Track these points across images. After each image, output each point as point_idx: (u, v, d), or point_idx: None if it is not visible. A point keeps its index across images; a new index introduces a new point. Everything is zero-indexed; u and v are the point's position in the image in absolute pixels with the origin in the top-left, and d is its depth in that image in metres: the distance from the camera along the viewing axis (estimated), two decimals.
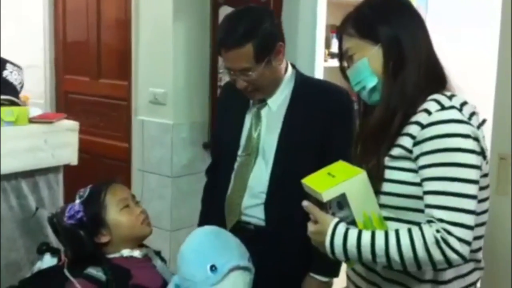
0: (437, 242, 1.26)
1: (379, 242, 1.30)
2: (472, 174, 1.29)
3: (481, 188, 1.35)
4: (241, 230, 1.89)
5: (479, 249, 1.45)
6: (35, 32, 3.94)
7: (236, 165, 1.94)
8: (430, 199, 1.31)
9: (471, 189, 1.29)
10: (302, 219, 1.43)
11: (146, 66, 3.23)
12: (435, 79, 1.42)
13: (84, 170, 3.01)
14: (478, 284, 1.49)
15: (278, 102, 1.89)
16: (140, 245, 1.89)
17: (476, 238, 1.36)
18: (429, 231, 1.27)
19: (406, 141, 1.36)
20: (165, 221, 3.15)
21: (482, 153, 1.35)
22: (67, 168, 2.79)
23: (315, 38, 2.80)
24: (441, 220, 1.27)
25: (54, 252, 1.92)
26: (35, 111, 2.71)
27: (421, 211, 1.34)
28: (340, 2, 2.87)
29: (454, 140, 1.29)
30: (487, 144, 1.44)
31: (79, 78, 3.81)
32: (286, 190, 1.70)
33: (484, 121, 1.41)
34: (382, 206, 1.38)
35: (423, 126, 1.33)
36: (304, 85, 1.90)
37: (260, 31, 1.75)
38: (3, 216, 2.52)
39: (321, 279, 1.85)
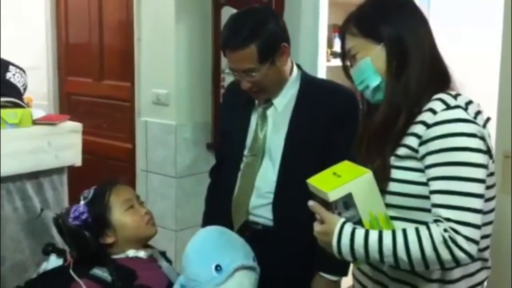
0: (445, 241, 1.26)
1: (386, 242, 1.30)
2: (479, 173, 1.29)
3: (488, 187, 1.35)
4: (249, 230, 1.89)
5: (486, 248, 1.45)
6: (37, 33, 3.94)
7: (242, 165, 1.94)
8: (437, 199, 1.31)
9: (478, 188, 1.29)
10: (310, 219, 1.43)
11: (149, 67, 3.23)
12: (438, 77, 1.42)
13: (88, 171, 3.02)
14: (486, 283, 1.49)
15: (284, 102, 1.89)
16: (145, 245, 1.90)
17: (483, 237, 1.36)
18: (437, 231, 1.27)
19: (411, 141, 1.36)
20: (170, 221, 3.15)
21: (488, 152, 1.34)
22: (71, 169, 2.79)
23: (317, 38, 2.80)
24: (449, 220, 1.27)
25: (60, 253, 1.93)
26: (38, 113, 2.72)
27: (427, 210, 1.34)
28: (342, 1, 2.86)
29: (460, 139, 1.29)
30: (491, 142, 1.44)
31: (82, 79, 3.81)
32: (293, 190, 1.70)
33: (488, 119, 1.40)
34: (388, 205, 1.38)
35: (428, 126, 1.33)
36: (310, 86, 1.90)
37: (264, 32, 1.75)
38: (8, 218, 2.53)
39: (330, 278, 1.85)
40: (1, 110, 2.48)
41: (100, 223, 1.82)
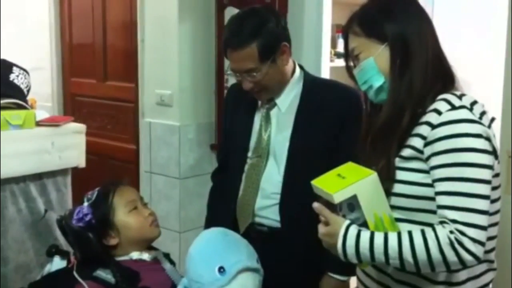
0: (451, 243, 1.25)
1: (392, 244, 1.29)
2: (485, 174, 1.29)
3: (493, 188, 1.34)
4: (254, 232, 1.89)
5: (492, 250, 1.44)
6: (41, 34, 3.95)
7: (246, 167, 1.93)
8: (442, 200, 1.30)
9: (484, 189, 1.28)
10: (316, 219, 1.42)
11: (152, 68, 3.23)
12: (442, 77, 1.41)
13: (92, 172, 3.02)
14: (491, 285, 1.48)
15: (287, 102, 1.88)
16: (149, 247, 1.89)
17: (489, 238, 1.35)
18: (443, 232, 1.26)
19: (416, 142, 1.35)
20: (174, 222, 3.15)
21: (494, 152, 1.33)
22: (75, 170, 2.80)
23: (321, 38, 2.79)
24: (455, 221, 1.26)
25: (64, 254, 1.93)
26: (42, 114, 2.72)
27: (432, 212, 1.33)
28: (345, 1, 2.85)
29: (465, 140, 1.29)
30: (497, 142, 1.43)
31: (86, 80, 3.82)
32: (300, 190, 1.69)
33: (493, 119, 1.40)
34: (392, 207, 1.38)
35: (433, 126, 1.32)
36: (313, 85, 1.90)
37: (264, 31, 1.75)
38: (12, 219, 2.54)
39: (339, 278, 1.84)
40: (5, 112, 2.48)
41: (104, 225, 1.81)
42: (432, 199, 1.33)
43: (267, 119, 1.91)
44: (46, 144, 2.60)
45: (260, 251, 1.78)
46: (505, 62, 2.05)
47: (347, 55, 1.52)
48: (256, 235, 1.88)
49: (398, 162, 1.38)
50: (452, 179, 1.29)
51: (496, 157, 1.36)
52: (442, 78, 1.41)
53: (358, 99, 1.82)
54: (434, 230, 1.28)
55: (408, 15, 1.43)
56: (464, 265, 1.27)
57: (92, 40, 3.70)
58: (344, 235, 1.33)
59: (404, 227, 1.35)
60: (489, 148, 1.31)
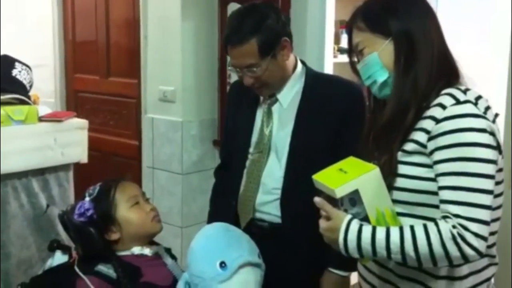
0: (453, 238, 1.24)
1: (394, 239, 1.28)
2: (489, 169, 1.28)
3: (497, 183, 1.33)
4: (255, 228, 1.89)
5: (493, 244, 1.43)
6: (44, 31, 3.96)
7: (248, 162, 1.93)
8: (445, 195, 1.29)
9: (488, 184, 1.27)
10: (317, 216, 1.42)
11: (155, 64, 3.23)
12: (447, 72, 1.40)
13: (94, 168, 3.02)
14: (493, 280, 1.47)
15: (289, 98, 1.88)
16: (150, 242, 1.89)
17: (491, 233, 1.34)
18: (446, 227, 1.25)
19: (420, 136, 1.35)
20: (176, 218, 3.15)
21: (498, 147, 1.32)
22: (77, 166, 2.80)
23: (324, 34, 2.78)
24: (458, 216, 1.25)
25: (65, 249, 1.94)
26: (44, 110, 2.72)
27: (435, 206, 1.32)
28: None
29: (470, 134, 1.28)
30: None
31: (89, 76, 3.82)
32: (301, 186, 1.69)
33: (497, 115, 1.39)
34: (394, 201, 1.37)
35: (438, 121, 1.31)
36: (316, 81, 1.89)
37: (264, 27, 1.75)
38: (14, 214, 2.54)
39: (341, 274, 1.84)
40: (7, 107, 2.48)
41: (105, 220, 1.81)
42: (434, 193, 1.32)
43: (268, 114, 1.90)
44: (49, 140, 2.60)
45: (261, 246, 1.78)
46: (510, 57, 2.04)
47: (351, 50, 1.51)
48: (257, 231, 1.87)
49: (401, 156, 1.38)
50: (456, 173, 1.28)
51: (500, 152, 1.35)
52: (447, 74, 1.40)
53: (361, 95, 1.82)
54: (436, 224, 1.27)
55: (413, 10, 1.42)
56: (466, 260, 1.27)
57: (95, 36, 3.71)
58: (345, 230, 1.33)
59: (406, 222, 1.34)
60: (493, 143, 1.30)
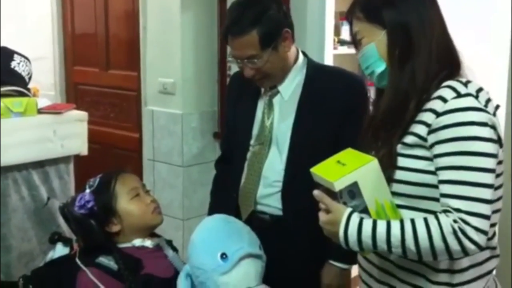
0: (454, 232, 1.24)
1: (394, 232, 1.28)
2: (489, 163, 1.27)
3: (496, 175, 1.32)
4: (256, 220, 1.89)
5: (493, 236, 1.43)
6: (43, 24, 3.94)
7: (249, 154, 1.93)
8: (446, 189, 1.28)
9: (488, 178, 1.27)
10: (317, 209, 1.41)
11: (155, 56, 3.22)
12: (449, 63, 1.38)
13: (95, 161, 3.03)
14: (495, 272, 1.47)
15: (290, 90, 1.87)
16: (151, 234, 1.89)
17: (491, 225, 1.33)
18: (446, 221, 1.25)
19: (420, 129, 1.34)
20: (177, 210, 3.16)
21: (498, 140, 1.32)
22: (78, 158, 2.80)
23: (324, 25, 2.77)
24: (458, 210, 1.25)
25: (66, 241, 1.94)
26: (43, 102, 2.72)
27: (434, 199, 1.32)
28: None
29: (471, 128, 1.27)
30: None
31: (89, 69, 3.81)
32: (302, 178, 1.69)
33: (498, 107, 1.37)
34: (394, 194, 1.36)
35: (438, 114, 1.30)
36: (317, 72, 1.88)
37: (265, 18, 1.74)
38: (15, 207, 2.54)
39: (341, 266, 1.85)
40: (6, 99, 2.48)
41: (106, 212, 1.81)
42: (434, 186, 1.32)
43: (269, 106, 1.90)
44: (48, 132, 2.60)
45: (262, 239, 1.78)
46: (510, 53, 2.03)
47: (354, 40, 1.50)
48: (258, 223, 1.87)
49: (400, 148, 1.37)
50: (457, 167, 1.27)
51: (501, 145, 1.34)
52: (449, 66, 1.38)
53: (363, 87, 1.82)
54: (437, 218, 1.26)
55: (411, 2, 1.39)
56: (466, 254, 1.27)
57: (94, 28, 3.69)
58: (346, 223, 1.32)
59: (406, 214, 1.34)
60: (494, 136, 1.29)
